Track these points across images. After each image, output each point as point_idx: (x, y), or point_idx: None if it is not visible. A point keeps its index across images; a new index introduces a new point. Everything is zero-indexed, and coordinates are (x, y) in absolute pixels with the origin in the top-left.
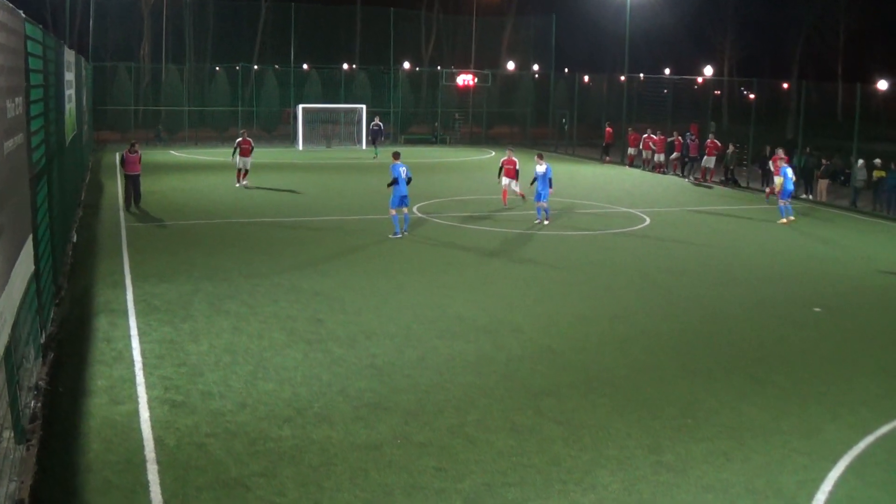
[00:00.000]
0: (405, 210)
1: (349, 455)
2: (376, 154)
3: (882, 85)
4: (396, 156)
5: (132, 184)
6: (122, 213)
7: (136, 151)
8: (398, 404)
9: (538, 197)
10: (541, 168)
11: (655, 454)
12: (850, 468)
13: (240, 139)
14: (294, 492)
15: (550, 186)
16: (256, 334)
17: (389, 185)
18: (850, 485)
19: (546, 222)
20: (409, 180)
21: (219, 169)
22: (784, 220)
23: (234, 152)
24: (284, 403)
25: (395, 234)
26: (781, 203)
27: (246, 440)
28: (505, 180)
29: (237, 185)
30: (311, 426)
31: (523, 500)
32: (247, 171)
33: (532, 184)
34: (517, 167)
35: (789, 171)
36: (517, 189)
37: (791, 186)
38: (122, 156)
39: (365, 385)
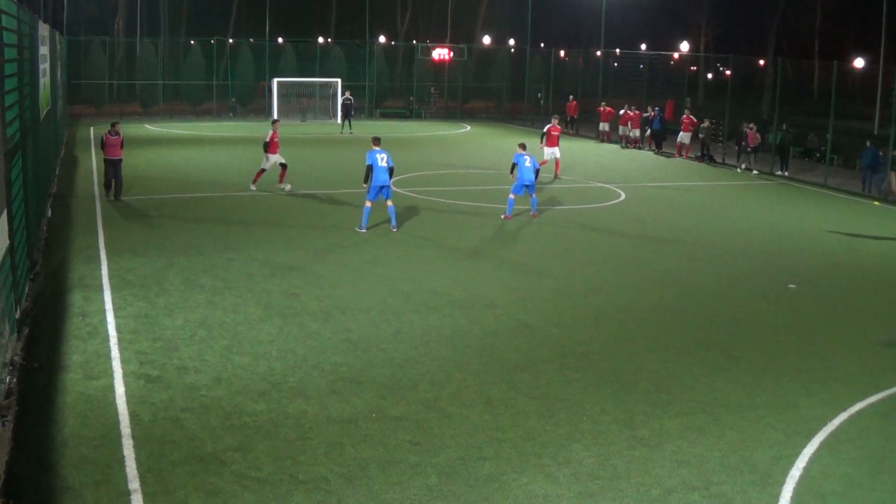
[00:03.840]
0: (389, 203)
1: (324, 429)
2: (350, 129)
3: (858, 63)
4: (376, 141)
5: (113, 170)
6: (96, 188)
7: (118, 133)
8: (373, 378)
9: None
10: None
11: (630, 429)
12: (824, 444)
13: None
14: (269, 466)
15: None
16: (231, 308)
17: (365, 179)
18: (825, 461)
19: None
20: (390, 170)
21: (193, 143)
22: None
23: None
24: (259, 378)
25: (361, 227)
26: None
27: (221, 414)
28: (548, 150)
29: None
30: (287, 400)
31: (498, 474)
32: (284, 167)
33: (512, 172)
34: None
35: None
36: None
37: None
38: (102, 138)
39: (340, 359)
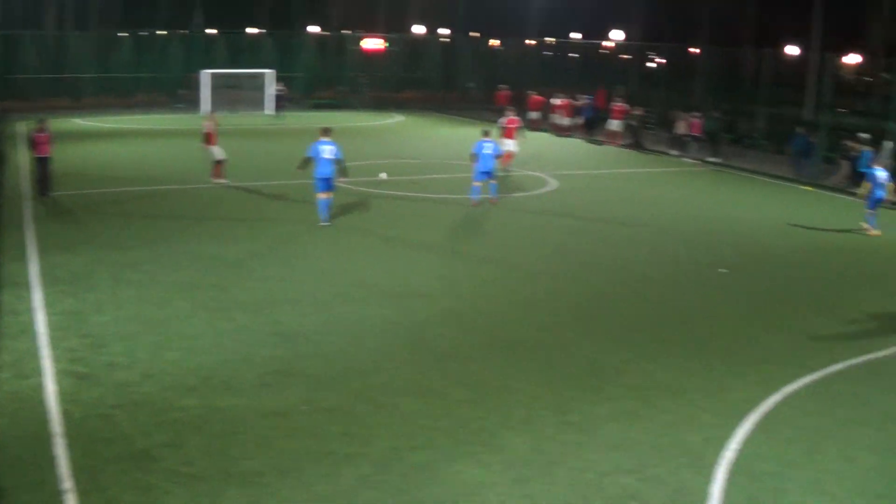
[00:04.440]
0: (329, 195)
1: (256, 423)
2: (283, 121)
3: (791, 50)
4: (324, 132)
5: (42, 168)
6: (25, 185)
7: (46, 130)
8: (304, 371)
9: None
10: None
11: (561, 414)
12: (756, 425)
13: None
14: (201, 461)
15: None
16: (160, 303)
17: (299, 166)
18: (757, 441)
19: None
20: (338, 162)
21: (123, 136)
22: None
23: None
24: (189, 372)
25: (321, 221)
26: None
27: (151, 411)
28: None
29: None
30: (217, 395)
31: (431, 462)
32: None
33: (473, 159)
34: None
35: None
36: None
37: None
38: (31, 136)
39: (270, 352)
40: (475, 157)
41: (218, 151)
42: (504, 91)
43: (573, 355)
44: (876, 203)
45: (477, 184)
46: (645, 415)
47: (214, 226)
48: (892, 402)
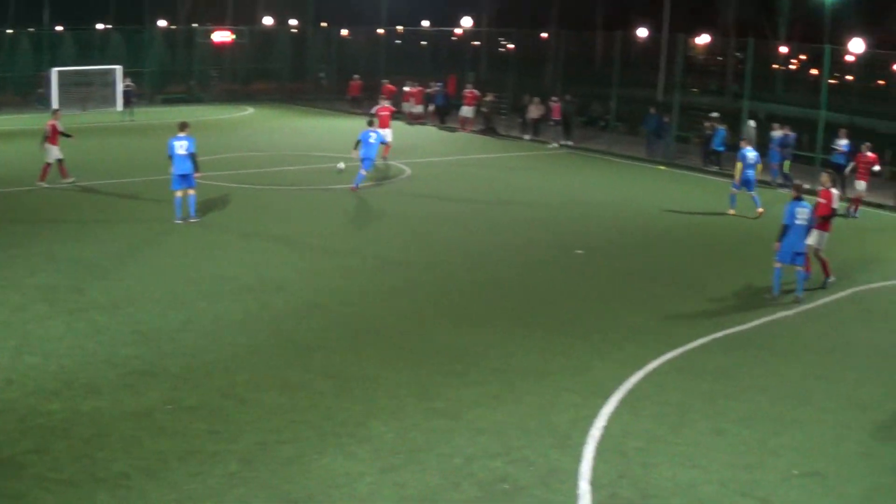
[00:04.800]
0: (190, 192)
1: (120, 424)
2: (132, 117)
3: (641, 32)
4: (181, 127)
5: None
6: None
7: None
8: (166, 369)
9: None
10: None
11: (427, 401)
12: (622, 403)
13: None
14: (69, 466)
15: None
16: (17, 307)
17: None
18: (623, 419)
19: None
20: (192, 156)
21: None
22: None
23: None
24: (51, 377)
25: (176, 219)
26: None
27: (15, 417)
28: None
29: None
30: (80, 398)
31: (298, 456)
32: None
33: (356, 148)
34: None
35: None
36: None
37: None
38: None
39: (131, 352)
40: (359, 144)
41: (56, 151)
42: (357, 81)
43: (436, 342)
44: (746, 183)
45: (364, 172)
46: (510, 398)
47: (70, 227)
48: (755, 374)
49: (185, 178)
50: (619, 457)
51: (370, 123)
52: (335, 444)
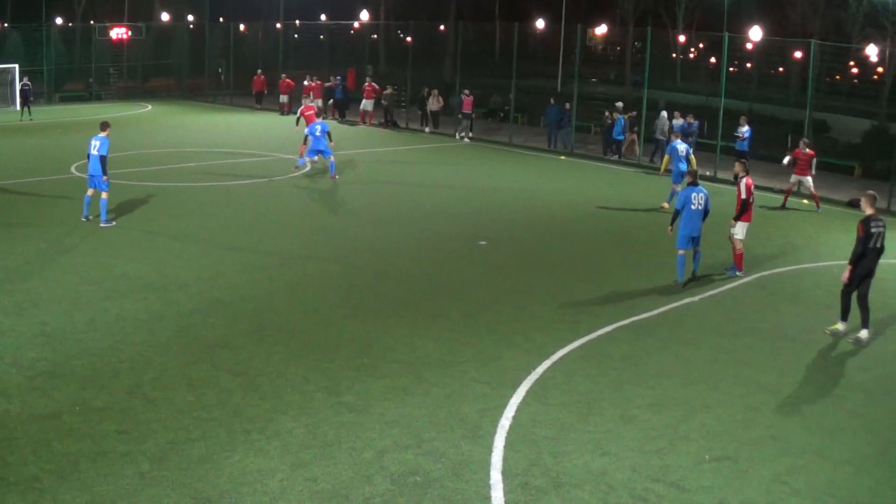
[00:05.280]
0: (103, 195)
1: (29, 427)
2: (30, 116)
3: (539, 23)
4: (102, 126)
5: None
6: None
7: None
8: (73, 371)
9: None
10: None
11: (335, 395)
12: (530, 392)
13: None
14: None
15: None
16: None
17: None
18: (533, 408)
19: (334, 177)
20: (101, 158)
21: None
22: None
23: None
24: None
25: (82, 216)
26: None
27: None
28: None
29: None
30: None
31: (209, 454)
32: None
33: (305, 142)
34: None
35: (317, 129)
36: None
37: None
38: None
39: (37, 354)
40: (307, 138)
41: None
42: (260, 76)
43: (343, 336)
44: (680, 176)
45: (306, 159)
46: (419, 390)
47: None
48: (661, 361)
49: (93, 178)
50: (530, 446)
51: (315, 116)
52: (245, 441)
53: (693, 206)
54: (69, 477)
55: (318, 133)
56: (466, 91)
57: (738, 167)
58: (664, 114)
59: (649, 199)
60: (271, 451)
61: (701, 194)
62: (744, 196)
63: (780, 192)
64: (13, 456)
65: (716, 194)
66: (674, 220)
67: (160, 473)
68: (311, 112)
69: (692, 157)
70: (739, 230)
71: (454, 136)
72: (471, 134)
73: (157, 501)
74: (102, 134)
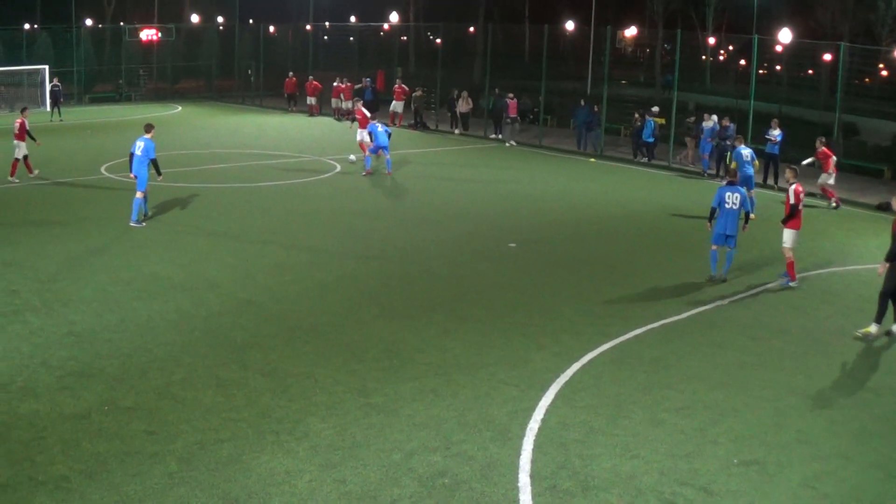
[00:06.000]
0: (137, 193)
1: (58, 427)
2: (60, 117)
3: (569, 25)
4: (146, 128)
5: None
6: None
7: None
8: (102, 370)
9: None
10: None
11: (364, 397)
12: (559, 395)
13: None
14: (7, 470)
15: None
16: None
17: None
18: (561, 411)
19: (388, 173)
20: (152, 161)
21: None
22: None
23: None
24: None
25: (133, 221)
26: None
27: None
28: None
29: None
30: (17, 401)
31: (238, 454)
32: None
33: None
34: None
35: (379, 126)
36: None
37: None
38: None
39: (67, 353)
40: (372, 136)
41: (23, 147)
42: (292, 78)
43: (372, 337)
44: (745, 181)
45: (370, 155)
46: (448, 392)
47: (1, 229)
48: (692, 363)
49: (139, 180)
50: (558, 449)
51: (372, 118)
52: (274, 441)
53: (728, 205)
54: (98, 476)
55: (379, 129)
56: (511, 95)
57: (788, 174)
58: (715, 118)
59: (679, 203)
60: (300, 452)
61: (737, 194)
62: (792, 201)
63: (823, 197)
64: (42, 455)
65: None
66: (711, 217)
67: (188, 474)
68: (361, 116)
69: (756, 161)
70: (788, 238)
71: (485, 137)
72: (516, 139)
73: (185, 502)
74: (147, 136)
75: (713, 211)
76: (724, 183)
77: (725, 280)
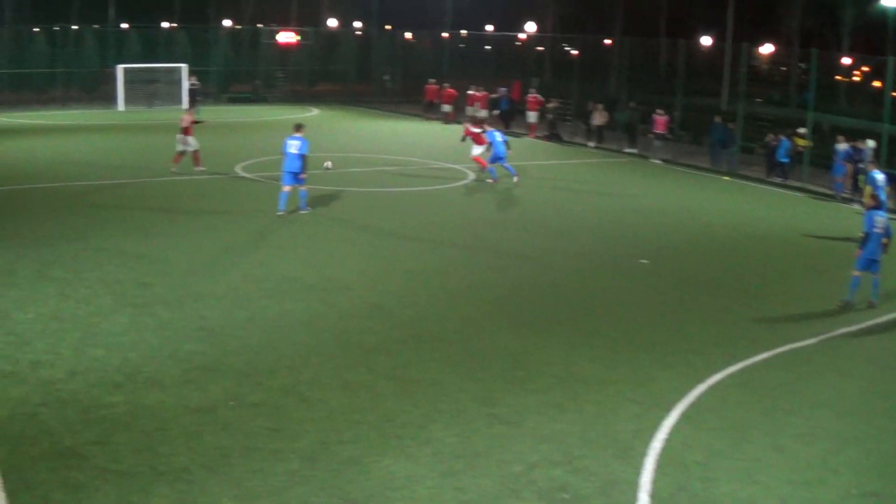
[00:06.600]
0: (300, 188)
1: (183, 419)
2: (197, 115)
3: (705, 41)
4: (296, 128)
5: None
6: None
7: None
8: (230, 366)
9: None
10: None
11: (488, 406)
12: (684, 416)
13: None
14: (129, 458)
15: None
16: (83, 300)
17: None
18: (685, 432)
19: (515, 179)
20: (303, 157)
21: (39, 132)
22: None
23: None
24: (115, 369)
25: (279, 209)
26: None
27: (78, 408)
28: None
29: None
30: (143, 391)
31: (359, 456)
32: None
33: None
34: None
35: (497, 136)
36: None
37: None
38: None
39: (195, 347)
40: (490, 146)
41: (194, 142)
42: (432, 85)
43: (499, 348)
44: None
45: (492, 165)
46: (572, 406)
47: (136, 220)
48: (817, 390)
49: (293, 176)
50: (680, 470)
51: (487, 124)
52: (396, 446)
53: (876, 230)
54: (219, 470)
55: (498, 139)
56: (660, 111)
57: None
58: (871, 143)
59: (810, 225)
60: (421, 458)
61: (882, 217)
62: None
63: None
64: (164, 446)
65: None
66: (863, 243)
67: (309, 473)
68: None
69: (888, 187)
70: None
71: (620, 150)
72: (664, 157)
73: (305, 500)
74: (299, 134)
75: (866, 236)
76: (869, 207)
77: (875, 305)
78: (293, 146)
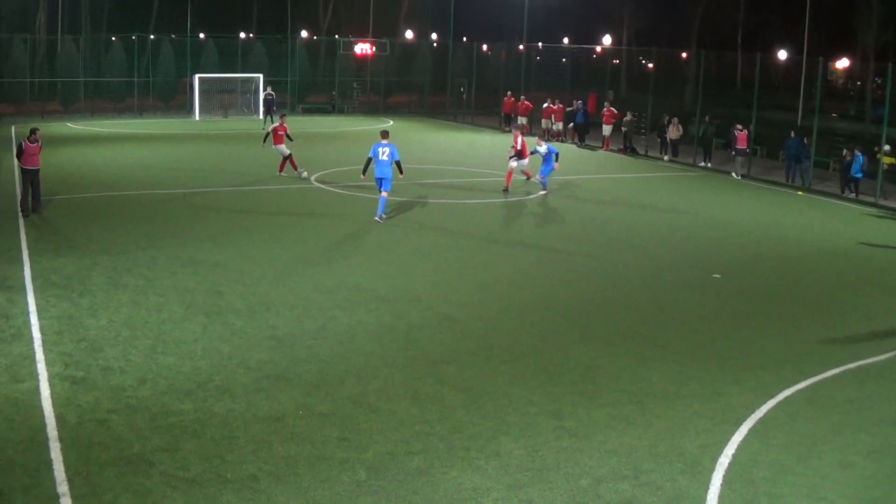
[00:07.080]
0: (383, 193)
1: (251, 427)
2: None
3: (781, 55)
4: (383, 135)
5: (31, 180)
6: (17, 186)
7: (38, 140)
8: (299, 375)
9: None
10: (542, 148)
11: (557, 420)
12: (752, 431)
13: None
14: (197, 466)
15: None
16: (155, 307)
17: (364, 171)
18: (753, 448)
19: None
20: (396, 163)
21: (115, 140)
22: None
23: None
24: (185, 377)
25: (377, 216)
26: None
27: (147, 415)
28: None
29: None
30: (213, 399)
31: (427, 467)
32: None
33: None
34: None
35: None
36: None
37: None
38: (21, 145)
39: (265, 356)
40: (544, 158)
41: (284, 148)
42: (510, 97)
43: (568, 360)
44: None
45: (542, 178)
46: (641, 420)
47: (208, 229)
48: (887, 407)
49: (383, 181)
50: (747, 485)
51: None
52: (464, 457)
53: None
54: (286, 479)
55: (543, 149)
56: (739, 126)
57: None
58: None
59: (885, 242)
60: (489, 470)
61: None
62: None
63: None
64: (232, 454)
65: None
66: None
67: (377, 483)
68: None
69: None
70: None
71: (694, 164)
72: (743, 172)
73: None
74: (385, 141)
75: None
76: None
77: None
78: (384, 153)
